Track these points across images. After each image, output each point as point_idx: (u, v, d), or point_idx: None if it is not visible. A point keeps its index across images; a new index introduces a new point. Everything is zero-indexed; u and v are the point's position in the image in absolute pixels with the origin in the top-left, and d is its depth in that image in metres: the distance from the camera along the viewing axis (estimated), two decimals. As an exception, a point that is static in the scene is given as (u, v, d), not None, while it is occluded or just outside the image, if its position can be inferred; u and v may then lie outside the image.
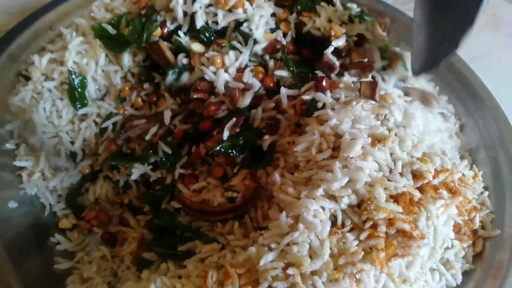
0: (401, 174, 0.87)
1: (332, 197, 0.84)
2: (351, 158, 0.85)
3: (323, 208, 0.82)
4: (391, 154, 0.89)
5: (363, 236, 0.79)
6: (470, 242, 0.97)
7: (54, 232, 1.09)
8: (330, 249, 0.77)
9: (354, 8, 1.23)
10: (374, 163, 0.86)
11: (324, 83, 1.03)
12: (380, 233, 0.79)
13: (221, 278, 0.80)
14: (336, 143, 0.90)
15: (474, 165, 1.08)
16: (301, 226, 0.79)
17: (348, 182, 0.84)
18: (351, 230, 0.82)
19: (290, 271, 0.76)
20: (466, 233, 0.96)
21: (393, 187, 0.83)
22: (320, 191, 0.83)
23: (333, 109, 0.98)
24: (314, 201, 0.82)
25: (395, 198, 0.83)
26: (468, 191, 0.97)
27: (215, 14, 1.11)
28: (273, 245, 0.79)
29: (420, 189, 0.87)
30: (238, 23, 1.12)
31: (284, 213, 0.82)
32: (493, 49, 1.46)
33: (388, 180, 0.85)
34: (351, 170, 0.84)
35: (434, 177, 0.88)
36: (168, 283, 0.84)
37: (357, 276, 0.76)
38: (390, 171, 0.87)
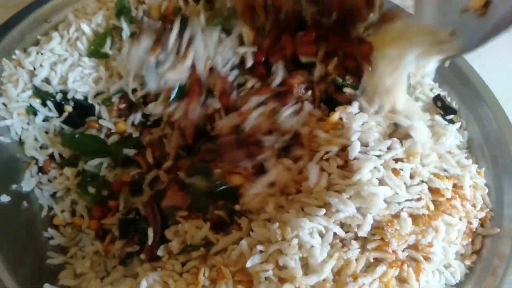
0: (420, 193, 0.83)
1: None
2: (363, 182, 0.77)
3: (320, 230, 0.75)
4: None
5: (370, 246, 0.76)
6: (469, 240, 0.95)
7: (47, 226, 1.07)
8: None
9: None
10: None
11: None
12: (390, 250, 0.76)
13: (213, 275, 0.78)
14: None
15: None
16: (294, 241, 0.74)
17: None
18: (356, 238, 0.78)
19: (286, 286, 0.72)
20: (465, 231, 0.95)
21: (415, 208, 0.79)
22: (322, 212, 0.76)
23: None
24: (308, 221, 0.75)
25: (413, 219, 0.79)
26: (477, 193, 0.96)
27: None
28: (260, 247, 0.76)
29: (433, 201, 0.85)
30: None
31: (276, 224, 0.77)
32: (493, 48, 1.45)
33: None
34: (362, 197, 0.78)
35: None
36: (159, 279, 0.82)
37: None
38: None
